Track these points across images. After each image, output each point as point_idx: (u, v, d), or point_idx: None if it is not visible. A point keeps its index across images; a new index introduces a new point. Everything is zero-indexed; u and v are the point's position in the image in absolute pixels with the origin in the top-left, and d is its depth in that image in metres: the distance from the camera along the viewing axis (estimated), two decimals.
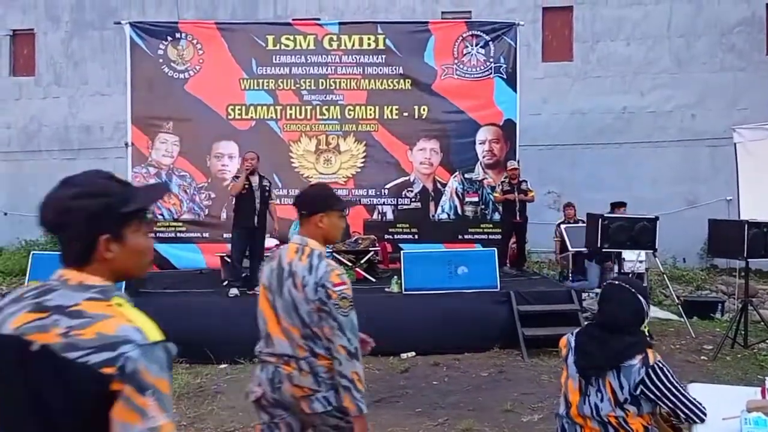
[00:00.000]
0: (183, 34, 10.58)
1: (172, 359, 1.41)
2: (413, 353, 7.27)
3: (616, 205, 10.49)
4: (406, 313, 7.61)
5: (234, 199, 8.01)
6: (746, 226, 7.20)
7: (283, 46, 10.62)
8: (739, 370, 6.71)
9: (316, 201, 2.83)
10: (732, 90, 14.70)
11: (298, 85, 10.66)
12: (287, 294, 2.66)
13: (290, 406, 2.67)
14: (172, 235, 10.57)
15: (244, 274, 8.07)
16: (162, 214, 10.57)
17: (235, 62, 10.57)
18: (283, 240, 9.68)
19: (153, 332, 1.38)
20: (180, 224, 10.62)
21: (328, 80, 10.66)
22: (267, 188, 8.20)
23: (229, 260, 8.49)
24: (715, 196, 13.88)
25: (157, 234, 10.51)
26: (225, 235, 8.49)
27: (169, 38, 10.54)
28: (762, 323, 7.70)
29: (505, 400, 5.70)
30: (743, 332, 7.43)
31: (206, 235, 10.51)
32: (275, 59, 10.61)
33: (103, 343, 1.31)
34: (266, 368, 2.74)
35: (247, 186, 7.87)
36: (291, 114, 10.70)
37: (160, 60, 10.52)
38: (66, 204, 1.42)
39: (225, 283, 8.31)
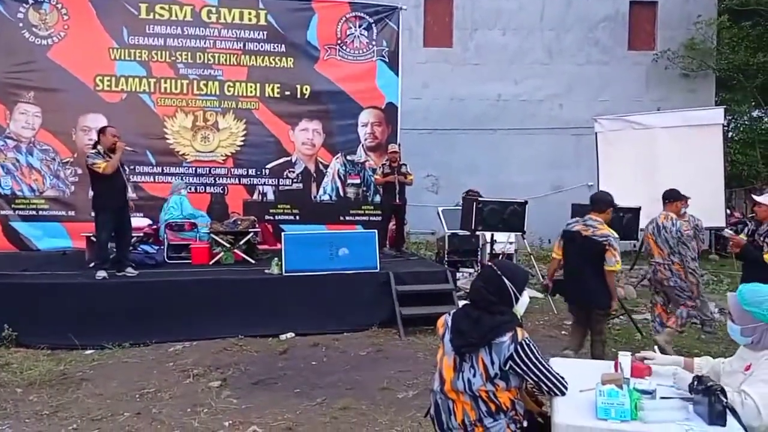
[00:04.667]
0: None
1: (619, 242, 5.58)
2: (292, 334, 7.27)
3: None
4: (286, 294, 7.57)
5: (99, 178, 7.36)
6: None
7: (157, 16, 10.06)
8: None
9: (676, 194, 6.56)
10: (596, 82, 15.78)
11: (173, 58, 10.16)
12: (663, 235, 6.36)
13: (660, 282, 6.47)
14: (34, 212, 9.82)
15: (112, 256, 7.64)
16: (21, 191, 9.78)
17: (104, 30, 9.89)
18: (157, 219, 9.31)
19: (615, 234, 5.47)
20: (42, 201, 9.87)
21: (206, 54, 10.24)
22: (125, 166, 7.74)
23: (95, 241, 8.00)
24: (578, 181, 14.87)
25: (17, 211, 9.75)
26: (93, 214, 7.96)
27: (31, 1, 9.69)
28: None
29: (383, 378, 5.83)
30: None
31: (72, 213, 9.85)
32: (149, 29, 10.04)
33: (602, 234, 5.41)
34: (651, 268, 6.56)
35: None
36: (166, 88, 10.18)
37: (21, 24, 9.65)
38: (604, 197, 5.70)
39: (91, 265, 7.84)
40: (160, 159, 10.18)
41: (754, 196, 6.41)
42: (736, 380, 2.75)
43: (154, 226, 9.34)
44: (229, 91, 10.39)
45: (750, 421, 2.55)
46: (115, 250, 7.71)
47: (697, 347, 7.00)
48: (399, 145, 10.35)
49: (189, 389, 5.52)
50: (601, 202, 5.61)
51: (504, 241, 10.01)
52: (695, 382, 2.64)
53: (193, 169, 10.32)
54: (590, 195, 5.90)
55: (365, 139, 10.92)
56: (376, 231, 8.71)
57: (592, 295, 5.49)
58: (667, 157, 11.34)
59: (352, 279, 7.84)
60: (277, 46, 10.46)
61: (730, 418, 2.50)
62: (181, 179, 9.96)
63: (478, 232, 9.39)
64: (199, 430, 4.65)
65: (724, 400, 2.51)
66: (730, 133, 18.59)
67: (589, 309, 5.68)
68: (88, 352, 6.64)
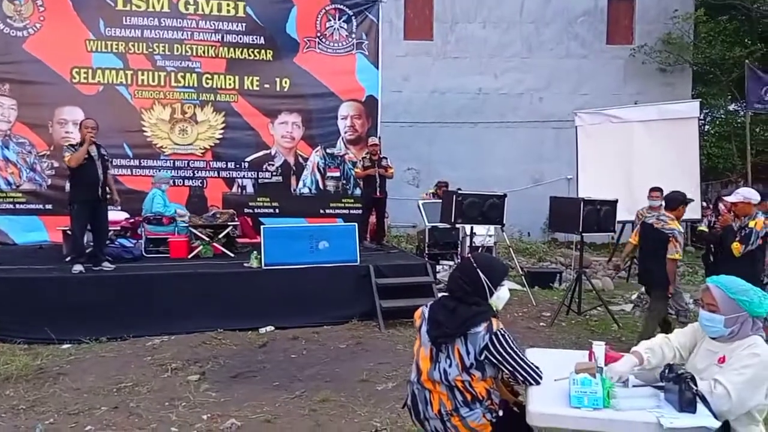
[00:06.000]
0: None
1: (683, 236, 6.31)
2: (272, 327, 7.25)
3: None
4: (265, 288, 7.54)
5: (71, 170, 7.34)
6: (582, 203, 7.80)
7: (134, 7, 9.95)
8: (573, 335, 7.34)
9: (681, 198, 6.39)
10: (575, 76, 15.87)
11: (150, 50, 10.06)
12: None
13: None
14: (10, 206, 9.70)
15: (88, 250, 7.56)
16: None
17: (80, 21, 9.77)
18: (135, 213, 9.22)
19: (680, 229, 6.17)
20: (19, 195, 9.76)
21: (184, 46, 10.15)
22: (106, 157, 7.66)
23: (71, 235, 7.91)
24: (558, 174, 15.00)
25: None
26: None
27: None
28: (593, 291, 8.46)
29: (362, 370, 5.84)
30: (577, 300, 8.12)
31: (49, 207, 9.75)
32: (126, 20, 9.93)
33: (670, 228, 6.08)
34: None
35: (86, 156, 7.30)
36: (143, 80, 10.09)
37: None
38: (675, 196, 6.36)
39: (68, 259, 7.76)
40: (138, 152, 10.10)
41: (725, 198, 6.62)
42: (710, 374, 2.76)
43: (132, 220, 9.25)
44: (207, 83, 10.31)
45: (720, 407, 2.60)
46: (91, 244, 7.64)
47: None
48: (379, 138, 10.35)
49: (167, 383, 5.50)
50: (672, 200, 6.50)
51: (483, 233, 10.06)
52: (666, 370, 2.69)
53: (171, 162, 10.24)
54: (665, 195, 6.73)
55: (345, 132, 10.90)
56: (356, 224, 8.69)
57: (651, 276, 6.48)
58: (643, 151, 11.48)
59: (332, 272, 7.82)
60: (256, 38, 10.39)
61: (700, 405, 2.55)
62: (168, 173, 9.82)
63: (458, 225, 9.41)
64: (177, 423, 4.63)
65: (694, 387, 2.56)
66: (706, 127, 18.84)
67: (649, 288, 6.75)
68: (65, 346, 6.57)
